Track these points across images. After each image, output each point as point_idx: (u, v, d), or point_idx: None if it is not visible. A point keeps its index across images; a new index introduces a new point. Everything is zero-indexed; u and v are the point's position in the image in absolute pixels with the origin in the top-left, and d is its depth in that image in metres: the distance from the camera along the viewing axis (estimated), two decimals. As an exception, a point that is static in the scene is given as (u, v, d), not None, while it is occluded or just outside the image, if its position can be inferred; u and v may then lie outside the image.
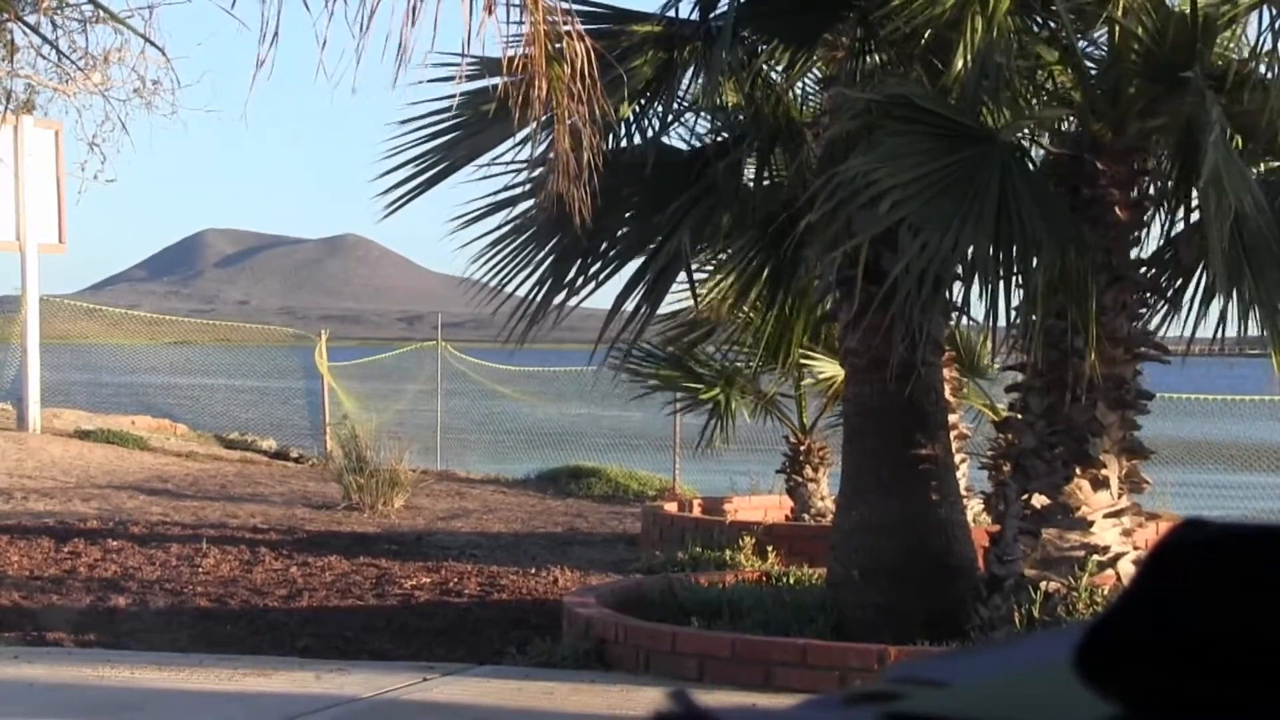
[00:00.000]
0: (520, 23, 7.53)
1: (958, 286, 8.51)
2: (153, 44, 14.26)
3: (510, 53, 7.50)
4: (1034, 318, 7.89)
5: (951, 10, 8.15)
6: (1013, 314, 8.18)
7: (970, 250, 7.83)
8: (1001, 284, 7.92)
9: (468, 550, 13.14)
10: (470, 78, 8.81)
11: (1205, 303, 8.30)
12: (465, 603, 10.83)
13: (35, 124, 20.20)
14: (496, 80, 8.30)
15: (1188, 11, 7.92)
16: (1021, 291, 8.07)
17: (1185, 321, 8.57)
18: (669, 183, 9.20)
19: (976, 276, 8.09)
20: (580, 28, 7.46)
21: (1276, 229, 7.72)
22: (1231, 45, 8.63)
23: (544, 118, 7.72)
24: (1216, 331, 8.08)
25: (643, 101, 9.34)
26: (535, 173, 9.32)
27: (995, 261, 7.81)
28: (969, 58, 8.10)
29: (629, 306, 9.38)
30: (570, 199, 7.72)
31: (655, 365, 13.42)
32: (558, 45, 7.28)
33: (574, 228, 9.35)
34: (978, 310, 8.55)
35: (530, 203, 9.53)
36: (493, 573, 11.88)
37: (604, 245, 9.55)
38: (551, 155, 8.41)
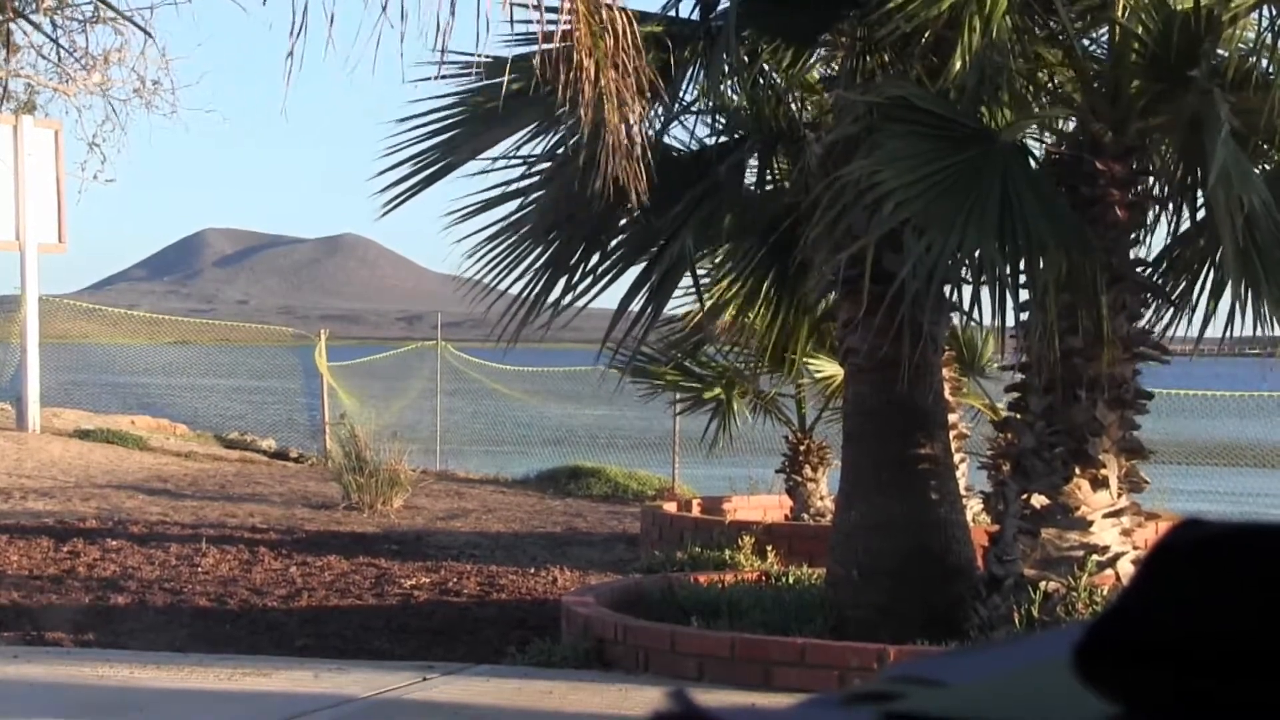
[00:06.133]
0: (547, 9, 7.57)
1: (962, 286, 8.50)
2: (149, 34, 14.27)
3: (548, 30, 7.49)
4: (1042, 318, 7.86)
5: (949, 11, 8.14)
6: (1016, 314, 8.17)
7: (977, 251, 7.83)
8: (1008, 284, 7.91)
9: (467, 550, 13.14)
10: (489, 73, 8.79)
11: (1212, 303, 8.30)
12: (464, 602, 10.83)
13: (35, 124, 20.22)
14: (500, 80, 8.30)
15: (1190, 11, 7.91)
16: (1027, 291, 8.06)
17: (1179, 321, 8.58)
18: (671, 184, 9.17)
19: (984, 276, 8.08)
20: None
21: None
22: (1236, 43, 8.62)
23: (566, 103, 7.68)
24: (1226, 330, 8.06)
25: (643, 102, 9.31)
26: (544, 165, 9.30)
27: (1001, 261, 7.80)
28: (967, 59, 8.09)
29: (634, 308, 9.36)
30: (626, 177, 7.68)
31: (659, 366, 13.43)
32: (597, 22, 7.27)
33: (575, 225, 9.35)
34: (980, 309, 8.56)
35: (541, 193, 9.48)
36: (492, 572, 11.88)
37: (604, 247, 9.52)
38: (573, 140, 8.36)
